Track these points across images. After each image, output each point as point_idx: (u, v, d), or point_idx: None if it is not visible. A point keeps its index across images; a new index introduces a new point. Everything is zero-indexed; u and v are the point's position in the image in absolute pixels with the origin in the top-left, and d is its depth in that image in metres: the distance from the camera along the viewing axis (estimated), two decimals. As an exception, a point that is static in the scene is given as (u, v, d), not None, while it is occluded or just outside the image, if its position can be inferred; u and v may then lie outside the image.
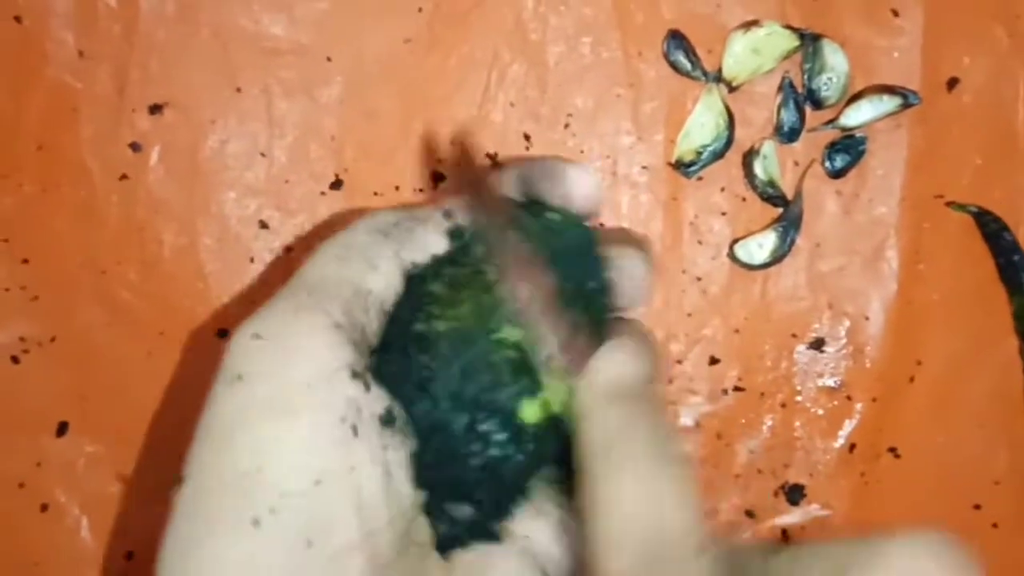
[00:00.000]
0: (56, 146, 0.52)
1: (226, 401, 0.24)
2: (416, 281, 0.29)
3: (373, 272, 0.27)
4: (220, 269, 0.52)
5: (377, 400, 0.25)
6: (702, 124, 0.52)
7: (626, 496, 0.23)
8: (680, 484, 0.23)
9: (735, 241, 0.52)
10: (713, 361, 0.52)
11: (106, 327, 0.52)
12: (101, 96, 0.52)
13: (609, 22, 0.52)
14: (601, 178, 0.52)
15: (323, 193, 0.52)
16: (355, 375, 0.24)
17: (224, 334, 0.52)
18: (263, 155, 0.52)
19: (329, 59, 0.52)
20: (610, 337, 0.27)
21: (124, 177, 0.52)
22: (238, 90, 0.52)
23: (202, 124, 0.52)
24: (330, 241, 0.28)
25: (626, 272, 0.31)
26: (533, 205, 0.32)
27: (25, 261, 0.52)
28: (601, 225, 0.51)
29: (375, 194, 0.52)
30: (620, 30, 0.52)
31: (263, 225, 0.52)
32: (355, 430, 0.24)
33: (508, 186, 0.33)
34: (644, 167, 0.52)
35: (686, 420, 0.52)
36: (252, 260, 0.52)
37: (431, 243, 0.29)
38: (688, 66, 0.52)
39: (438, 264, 0.29)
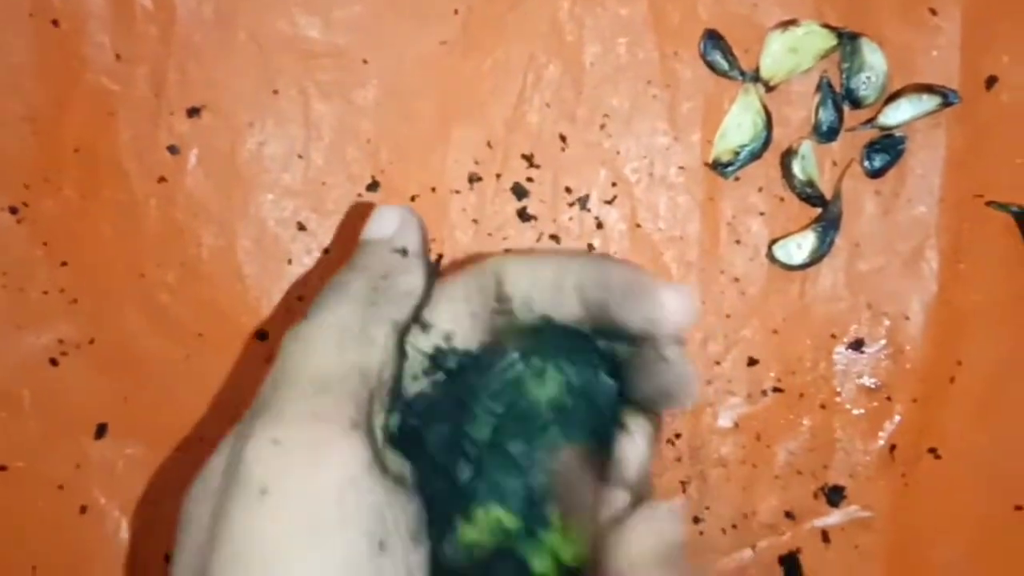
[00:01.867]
0: (94, 149, 0.52)
1: (251, 517, 0.23)
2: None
3: (371, 347, 0.26)
4: (258, 271, 0.52)
5: (404, 506, 0.25)
6: (739, 124, 0.52)
7: None
8: None
9: (773, 241, 0.52)
10: (752, 362, 0.52)
11: (145, 329, 0.52)
12: (139, 99, 0.52)
13: (645, 22, 0.52)
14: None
15: (360, 195, 0.52)
16: (376, 472, 0.24)
17: (263, 336, 0.52)
18: (300, 157, 0.52)
19: (365, 61, 0.52)
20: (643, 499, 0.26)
21: (162, 180, 0.52)
22: (275, 92, 0.52)
23: (239, 127, 0.52)
24: (318, 323, 0.27)
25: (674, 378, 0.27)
26: (602, 333, 0.29)
27: (64, 264, 0.52)
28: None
29: (412, 198, 0.52)
30: (656, 30, 0.52)
31: (301, 227, 0.52)
32: (383, 545, 0.23)
33: (572, 297, 0.28)
34: (681, 168, 0.52)
35: (725, 421, 0.52)
36: (290, 262, 0.52)
37: (412, 288, 0.28)
38: (725, 66, 0.52)
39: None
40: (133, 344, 0.52)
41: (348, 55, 0.52)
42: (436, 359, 0.29)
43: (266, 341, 0.52)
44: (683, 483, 0.52)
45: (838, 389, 0.52)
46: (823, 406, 0.52)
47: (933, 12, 0.52)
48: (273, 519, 0.23)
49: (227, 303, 0.52)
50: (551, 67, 0.52)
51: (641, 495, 0.28)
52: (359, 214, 0.52)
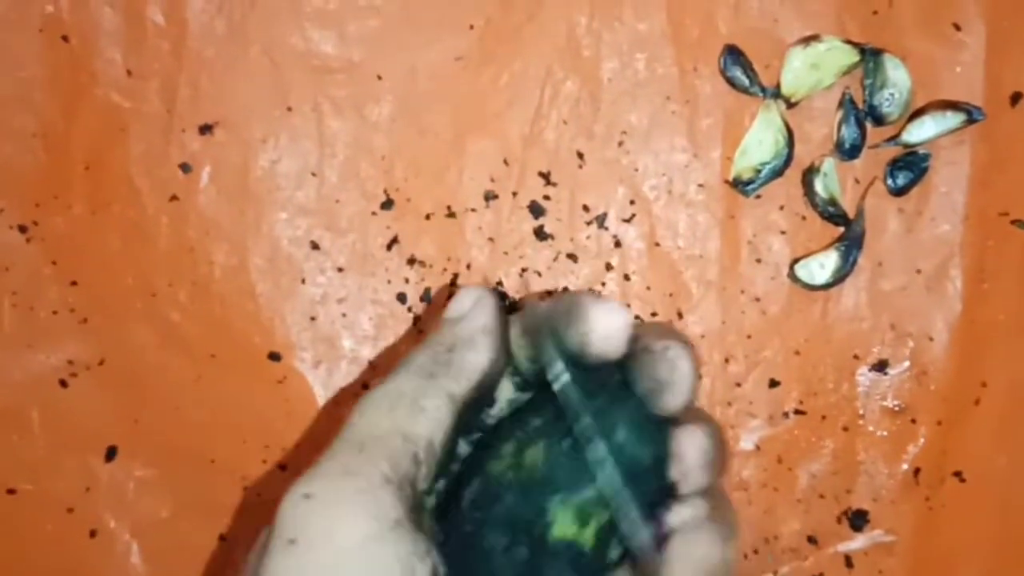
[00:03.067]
0: (105, 166, 0.51)
1: (280, 567, 0.24)
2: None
3: (421, 415, 0.27)
4: (271, 290, 0.51)
5: (428, 553, 0.25)
6: (760, 141, 0.51)
7: None
8: None
9: (795, 261, 0.51)
10: (773, 384, 0.51)
11: (156, 349, 0.51)
12: (150, 115, 0.51)
13: (664, 37, 0.52)
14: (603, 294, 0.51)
15: (374, 213, 0.51)
16: (404, 529, 0.24)
17: (276, 357, 0.51)
18: (314, 174, 0.51)
19: (380, 77, 0.51)
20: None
21: (174, 198, 0.51)
22: (289, 109, 0.51)
23: (252, 143, 0.51)
24: (378, 390, 0.28)
25: (674, 370, 0.28)
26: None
27: (74, 283, 0.51)
28: (638, 319, 0.50)
29: (427, 216, 0.51)
30: (675, 45, 0.51)
31: (314, 246, 0.51)
32: None
33: (531, 329, 0.30)
34: (700, 185, 0.51)
35: (746, 444, 0.51)
36: (303, 281, 0.51)
37: (475, 363, 0.29)
38: (745, 82, 0.51)
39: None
40: (143, 364, 0.51)
41: (362, 70, 0.51)
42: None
43: (279, 362, 0.51)
44: (703, 507, 0.51)
45: (861, 411, 0.51)
46: (846, 428, 0.51)
47: (957, 27, 0.51)
48: (300, 569, 0.23)
49: (239, 323, 0.51)
50: (568, 83, 0.52)
51: None
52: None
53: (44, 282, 0.51)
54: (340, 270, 0.51)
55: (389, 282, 0.51)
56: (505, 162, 0.52)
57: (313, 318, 0.51)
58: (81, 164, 0.51)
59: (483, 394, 0.29)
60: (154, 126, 0.51)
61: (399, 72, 0.52)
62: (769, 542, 0.51)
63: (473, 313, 0.30)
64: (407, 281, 0.51)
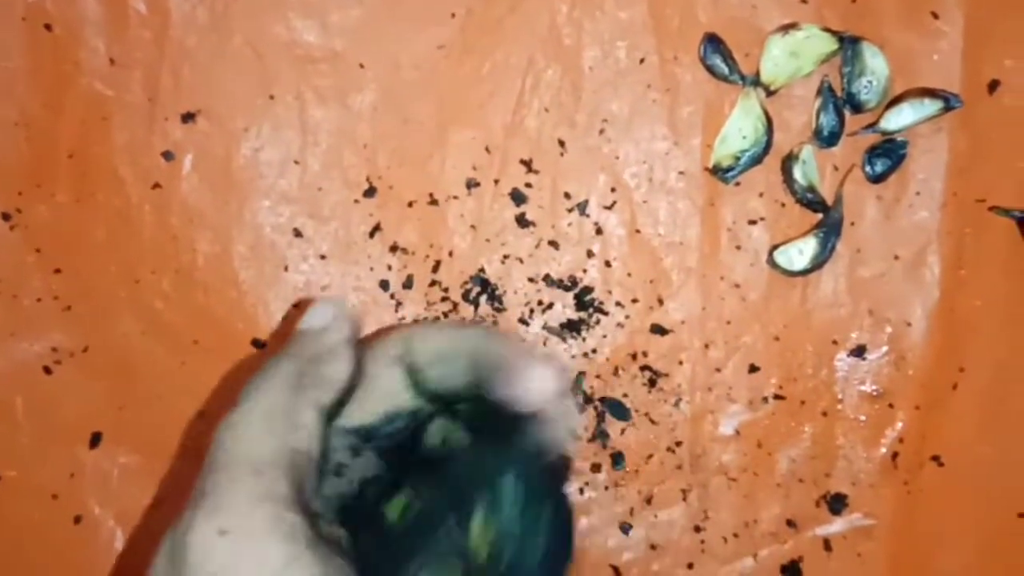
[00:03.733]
0: (88, 155, 0.51)
1: None
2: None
3: (301, 430, 0.28)
4: (254, 277, 0.51)
5: (342, 566, 0.26)
6: (740, 128, 0.51)
7: None
8: None
9: (774, 247, 0.51)
10: (753, 369, 0.51)
11: (140, 337, 0.51)
12: (133, 104, 0.51)
13: (644, 26, 0.52)
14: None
15: (357, 201, 0.52)
16: (318, 544, 0.25)
17: (259, 344, 0.51)
18: (296, 163, 0.52)
19: (362, 66, 0.52)
20: None
21: (157, 186, 0.51)
22: (271, 97, 0.51)
23: (235, 132, 0.51)
24: (248, 408, 0.28)
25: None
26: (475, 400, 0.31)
27: (58, 271, 0.51)
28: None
29: (409, 204, 0.52)
30: (655, 34, 0.52)
31: (297, 233, 0.51)
32: None
33: (462, 368, 0.31)
34: (681, 173, 0.52)
35: (726, 429, 0.51)
36: (286, 268, 0.51)
37: (338, 374, 0.30)
38: (725, 70, 0.51)
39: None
40: (128, 351, 0.51)
41: (345, 60, 0.52)
42: (366, 434, 0.31)
43: (262, 349, 0.51)
44: (684, 491, 0.51)
45: (840, 396, 0.51)
46: (825, 413, 0.51)
47: (935, 16, 0.51)
48: None
49: (223, 310, 0.51)
50: (550, 71, 0.52)
51: None
52: (300, 309, 0.52)
53: (28, 270, 0.51)
54: (323, 257, 0.52)
55: (372, 269, 0.52)
56: (487, 150, 0.52)
57: (296, 305, 0.51)
58: (64, 152, 0.51)
59: (342, 401, 0.30)
60: (137, 115, 0.51)
61: (382, 61, 0.52)
62: (749, 526, 0.51)
63: (335, 325, 0.31)
64: (390, 268, 0.52)
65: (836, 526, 0.51)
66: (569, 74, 0.52)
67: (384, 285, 0.52)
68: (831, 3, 0.51)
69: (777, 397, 0.51)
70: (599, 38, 0.52)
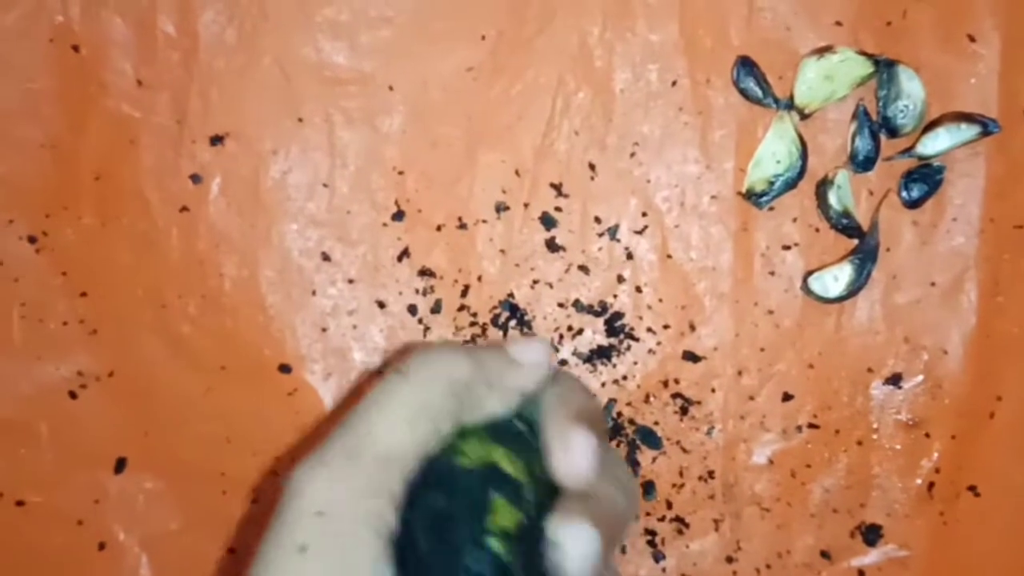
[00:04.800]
0: (115, 178, 0.51)
1: (288, 570, 0.24)
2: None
3: (435, 438, 0.27)
4: (282, 301, 0.51)
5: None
6: (773, 152, 0.51)
7: None
8: None
9: (809, 273, 0.50)
10: (786, 397, 0.50)
11: (166, 361, 0.51)
12: (161, 126, 0.51)
13: (676, 48, 0.51)
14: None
15: (385, 224, 0.51)
16: (390, 550, 0.25)
17: (286, 369, 0.51)
18: (325, 186, 0.51)
19: (391, 88, 0.51)
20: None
21: (184, 209, 0.51)
22: (300, 120, 0.51)
23: (263, 155, 0.51)
24: (407, 391, 0.27)
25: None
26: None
27: (84, 295, 0.51)
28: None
29: (438, 228, 0.51)
30: (687, 56, 0.51)
31: (325, 257, 0.51)
32: None
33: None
34: (713, 197, 0.51)
35: (759, 458, 0.50)
36: (314, 293, 0.51)
37: (491, 413, 0.29)
38: (759, 93, 0.50)
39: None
40: (153, 376, 0.51)
41: (374, 81, 0.51)
42: None
43: (289, 374, 0.51)
44: (716, 521, 0.50)
45: (875, 425, 0.50)
46: (860, 443, 0.50)
47: (972, 39, 0.50)
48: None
49: (250, 335, 0.51)
50: (580, 93, 0.51)
51: None
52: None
53: (53, 293, 0.51)
54: (351, 282, 0.51)
55: (400, 294, 0.51)
56: (516, 173, 0.51)
57: (324, 330, 0.51)
58: (91, 175, 0.51)
59: None
60: (164, 137, 0.51)
61: (411, 83, 0.51)
62: (782, 557, 0.50)
63: (530, 372, 0.30)
64: (418, 292, 0.51)
65: (871, 557, 0.50)
66: (600, 96, 0.51)
67: (412, 310, 0.51)
68: (866, 26, 0.51)
69: (811, 426, 0.50)
70: (630, 60, 0.51)
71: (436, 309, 0.51)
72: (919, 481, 0.50)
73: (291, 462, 0.51)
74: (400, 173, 0.51)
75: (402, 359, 0.28)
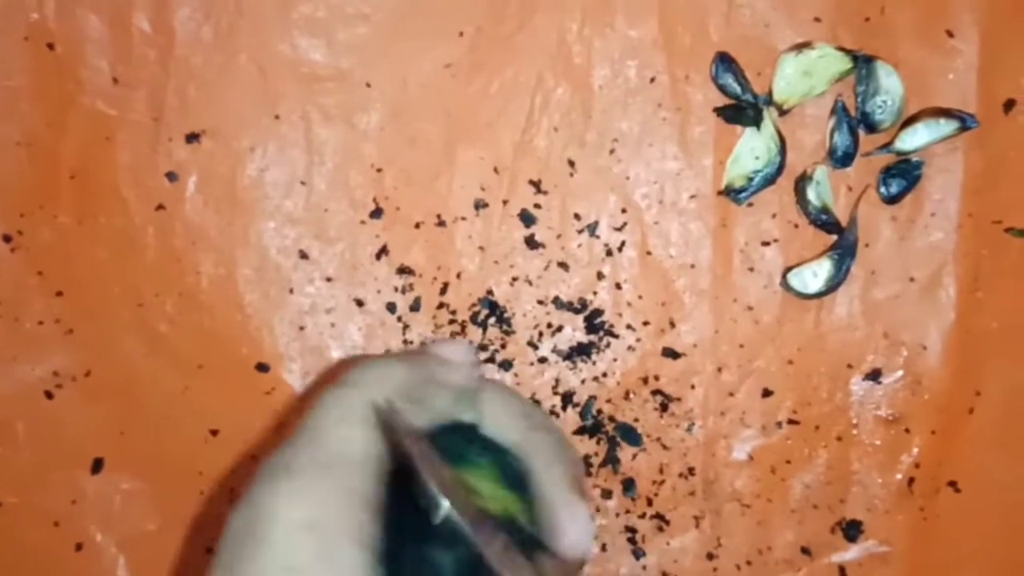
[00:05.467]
0: (91, 175, 0.51)
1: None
2: None
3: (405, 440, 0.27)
4: (259, 300, 0.51)
5: None
6: (752, 149, 0.50)
7: None
8: None
9: (788, 269, 0.50)
10: (766, 393, 0.50)
11: (144, 360, 0.50)
12: (137, 124, 0.51)
13: (655, 44, 0.51)
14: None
15: (363, 222, 0.51)
16: (377, 556, 0.24)
17: (264, 368, 0.50)
18: (303, 183, 0.51)
19: (369, 85, 0.51)
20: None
21: (161, 207, 0.50)
22: (276, 117, 0.51)
23: (240, 152, 0.51)
24: (359, 392, 0.27)
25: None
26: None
27: (59, 294, 0.50)
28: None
29: (416, 225, 0.51)
30: (666, 52, 0.51)
31: (303, 255, 0.51)
32: None
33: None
34: (692, 195, 0.51)
35: (739, 454, 0.50)
36: (292, 291, 0.51)
37: (448, 410, 0.29)
38: (737, 89, 0.50)
39: None
40: (130, 375, 0.51)
41: (351, 78, 0.51)
42: None
43: (267, 372, 0.50)
44: (696, 518, 0.50)
45: (855, 421, 0.50)
46: (839, 438, 0.50)
47: (950, 34, 0.50)
48: None
49: (227, 333, 0.50)
50: (559, 90, 0.51)
51: None
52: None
53: (29, 293, 0.50)
54: (329, 280, 0.51)
55: (379, 292, 0.51)
56: (495, 170, 0.51)
57: (302, 328, 0.51)
58: (67, 173, 0.51)
59: None
60: (141, 135, 0.51)
61: (389, 80, 0.51)
62: (763, 553, 0.50)
63: (461, 370, 0.31)
64: (397, 290, 0.51)
65: (852, 553, 0.50)
66: (579, 93, 0.51)
67: (391, 308, 0.51)
68: (845, 22, 0.51)
69: (791, 422, 0.50)
70: (609, 56, 0.51)
71: (415, 307, 0.51)
72: (899, 477, 0.50)
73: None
74: (378, 170, 0.51)
75: (339, 374, 0.28)
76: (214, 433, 0.50)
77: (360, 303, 0.51)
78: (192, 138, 0.51)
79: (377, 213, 0.51)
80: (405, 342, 0.51)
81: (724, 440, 0.50)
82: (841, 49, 0.50)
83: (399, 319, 0.51)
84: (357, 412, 0.26)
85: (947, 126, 0.50)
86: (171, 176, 0.51)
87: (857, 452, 0.50)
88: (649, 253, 0.51)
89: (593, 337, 0.51)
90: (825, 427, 0.50)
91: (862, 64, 0.50)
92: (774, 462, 0.50)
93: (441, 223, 0.51)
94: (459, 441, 0.29)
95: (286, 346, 0.51)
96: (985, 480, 0.50)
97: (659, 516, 0.50)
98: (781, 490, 0.50)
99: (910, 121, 0.50)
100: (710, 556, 0.50)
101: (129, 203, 0.51)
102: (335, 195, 0.51)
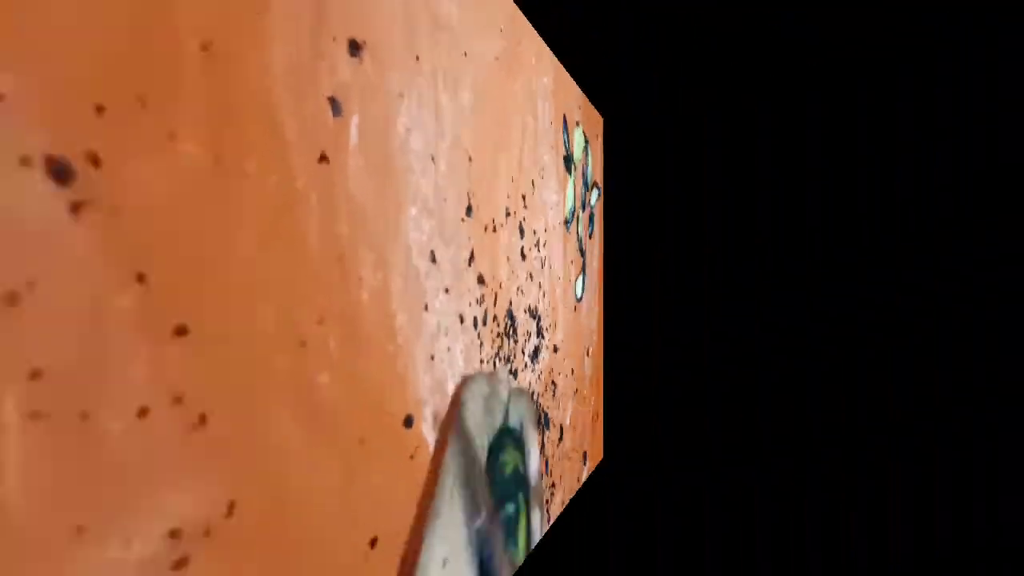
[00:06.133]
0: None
1: None
2: None
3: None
4: (407, 322, 0.32)
5: None
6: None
7: None
8: None
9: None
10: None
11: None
12: None
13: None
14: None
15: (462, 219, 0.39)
16: None
17: (409, 423, 0.33)
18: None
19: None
20: None
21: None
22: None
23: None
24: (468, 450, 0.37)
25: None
26: None
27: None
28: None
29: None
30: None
31: (432, 258, 0.35)
32: None
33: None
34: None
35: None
36: (426, 307, 0.34)
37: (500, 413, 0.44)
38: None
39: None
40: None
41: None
42: None
43: (411, 428, 0.33)
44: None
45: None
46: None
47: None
48: None
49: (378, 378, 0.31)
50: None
51: None
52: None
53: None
54: (447, 291, 0.37)
55: (469, 304, 0.40)
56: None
57: (432, 357, 0.35)
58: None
59: None
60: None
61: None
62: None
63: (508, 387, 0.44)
64: (477, 302, 0.41)
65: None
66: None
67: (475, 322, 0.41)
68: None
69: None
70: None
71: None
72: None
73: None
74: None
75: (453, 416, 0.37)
76: (373, 544, 0.30)
77: (462, 319, 0.39)
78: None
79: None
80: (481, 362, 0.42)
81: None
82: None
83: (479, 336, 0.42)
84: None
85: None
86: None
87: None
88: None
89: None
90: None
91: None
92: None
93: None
94: (502, 435, 0.43)
95: (422, 383, 0.35)
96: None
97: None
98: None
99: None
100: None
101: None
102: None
